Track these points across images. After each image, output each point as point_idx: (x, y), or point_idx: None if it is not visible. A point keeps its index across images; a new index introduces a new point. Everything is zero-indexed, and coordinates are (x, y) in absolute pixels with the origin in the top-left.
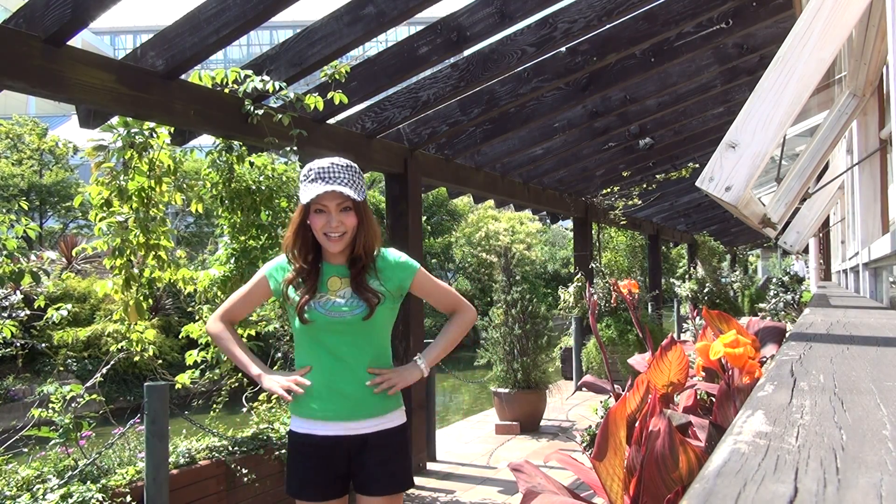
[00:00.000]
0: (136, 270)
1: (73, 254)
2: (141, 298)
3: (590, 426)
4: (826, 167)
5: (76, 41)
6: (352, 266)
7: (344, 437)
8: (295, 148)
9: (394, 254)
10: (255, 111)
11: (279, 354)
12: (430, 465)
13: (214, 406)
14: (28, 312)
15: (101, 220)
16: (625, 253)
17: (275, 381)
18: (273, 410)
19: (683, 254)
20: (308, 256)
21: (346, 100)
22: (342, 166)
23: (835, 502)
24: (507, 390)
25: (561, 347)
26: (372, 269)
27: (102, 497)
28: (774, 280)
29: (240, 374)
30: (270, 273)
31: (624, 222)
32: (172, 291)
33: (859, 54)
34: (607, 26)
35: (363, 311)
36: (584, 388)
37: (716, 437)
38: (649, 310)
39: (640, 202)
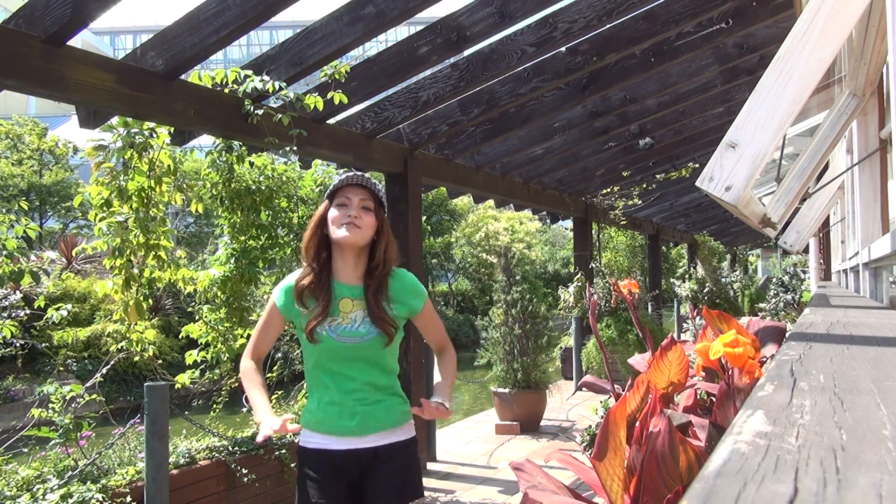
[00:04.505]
0: (136, 270)
1: (73, 254)
2: (141, 298)
3: (590, 426)
4: (826, 167)
5: (76, 41)
6: (367, 279)
7: (356, 451)
8: (295, 148)
9: (410, 275)
10: (255, 111)
11: (279, 354)
12: (430, 465)
13: (214, 406)
14: (28, 312)
15: (101, 220)
16: (625, 253)
17: (266, 426)
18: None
19: (683, 254)
20: (320, 259)
21: (346, 100)
22: (368, 176)
23: (835, 502)
24: (507, 390)
25: (561, 347)
26: (386, 289)
27: (102, 497)
28: (774, 280)
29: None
30: (280, 298)
31: (624, 222)
32: (172, 291)
33: (859, 54)
34: (607, 26)
35: (376, 337)
36: (584, 388)
37: (716, 437)
38: (649, 310)
39: (640, 202)
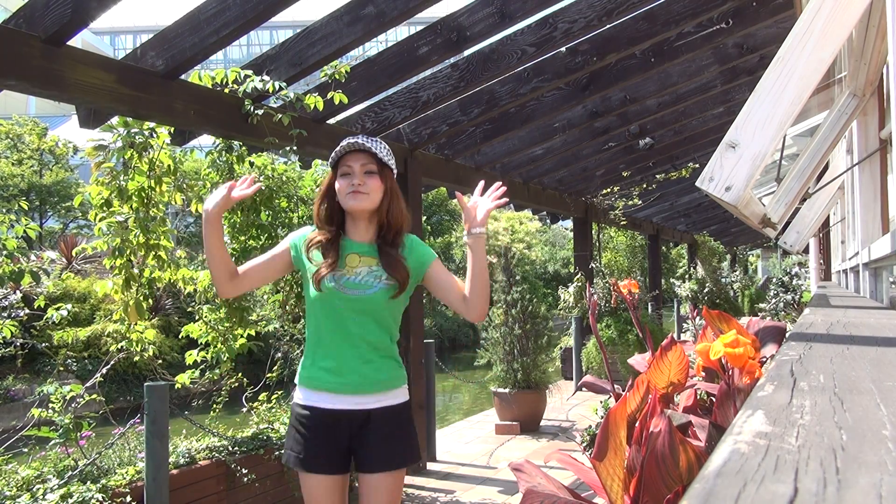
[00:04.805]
0: (136, 270)
1: (73, 254)
2: (141, 298)
3: (590, 426)
4: (826, 167)
5: (76, 41)
6: (381, 242)
7: (348, 412)
8: (295, 148)
9: (418, 239)
10: (255, 111)
11: (279, 354)
12: (430, 465)
13: (214, 406)
14: (28, 312)
15: (101, 220)
16: (625, 253)
17: (216, 194)
18: (273, 410)
19: (683, 254)
20: (331, 226)
21: (346, 100)
22: (367, 137)
23: (835, 502)
24: (507, 390)
25: (561, 347)
26: (400, 246)
27: (102, 497)
28: (774, 280)
29: (240, 374)
30: (294, 243)
31: (624, 222)
32: (172, 291)
33: (859, 54)
34: (607, 26)
35: (379, 291)
36: (584, 388)
37: (716, 437)
38: (649, 310)
39: (640, 202)
